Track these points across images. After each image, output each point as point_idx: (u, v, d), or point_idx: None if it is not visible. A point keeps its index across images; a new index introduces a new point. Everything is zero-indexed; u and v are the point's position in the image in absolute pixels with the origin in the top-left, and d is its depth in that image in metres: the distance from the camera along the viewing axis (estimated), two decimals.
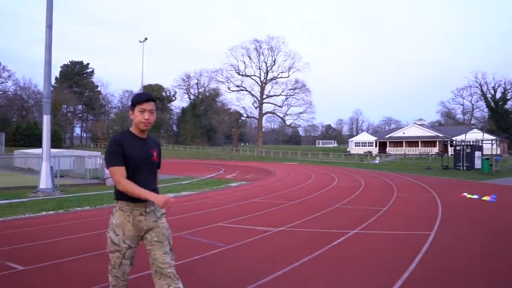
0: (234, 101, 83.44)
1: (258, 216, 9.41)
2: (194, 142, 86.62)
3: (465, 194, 13.62)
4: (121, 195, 2.86)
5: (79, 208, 11.03)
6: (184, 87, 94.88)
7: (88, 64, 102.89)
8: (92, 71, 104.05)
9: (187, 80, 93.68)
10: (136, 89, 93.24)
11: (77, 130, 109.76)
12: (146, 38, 49.60)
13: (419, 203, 11.89)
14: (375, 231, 7.68)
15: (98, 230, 7.57)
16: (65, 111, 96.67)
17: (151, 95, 3.01)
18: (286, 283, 4.53)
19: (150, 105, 2.92)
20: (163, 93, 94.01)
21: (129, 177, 2.85)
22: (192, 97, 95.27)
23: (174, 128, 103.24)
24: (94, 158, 23.07)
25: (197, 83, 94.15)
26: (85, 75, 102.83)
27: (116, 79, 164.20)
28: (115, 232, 2.90)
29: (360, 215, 9.49)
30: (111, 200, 12.57)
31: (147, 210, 2.91)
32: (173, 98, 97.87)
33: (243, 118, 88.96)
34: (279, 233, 7.40)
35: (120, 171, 2.82)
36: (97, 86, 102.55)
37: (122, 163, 2.84)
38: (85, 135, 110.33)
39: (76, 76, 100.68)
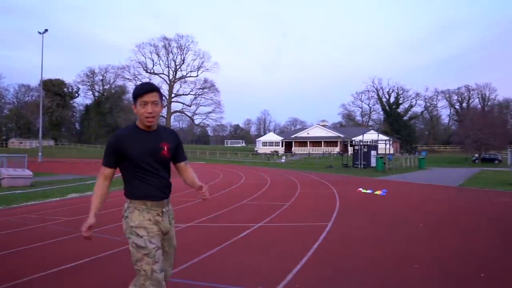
0: None
1: None
2: (98, 141, 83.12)
3: (361, 189, 14.85)
4: (134, 194, 2.64)
5: None
6: (88, 84, 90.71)
7: None
8: None
9: (91, 76, 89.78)
10: (34, 83, 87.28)
11: None
12: (46, 30, 46.88)
13: (320, 198, 12.77)
14: (278, 223, 8.22)
15: None
16: None
17: (154, 85, 2.72)
18: (196, 272, 4.80)
19: (152, 96, 2.61)
20: (65, 89, 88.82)
21: (135, 175, 2.64)
22: (96, 94, 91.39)
23: (76, 126, 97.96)
24: None
25: (102, 80, 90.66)
26: None
27: (11, 72, 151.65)
28: (138, 235, 2.57)
29: (265, 210, 10.01)
30: (9, 202, 11.90)
31: (163, 210, 2.69)
32: (76, 95, 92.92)
33: None
34: (188, 228, 7.63)
35: (103, 171, 2.68)
36: None
37: (112, 164, 2.67)
38: None
39: None
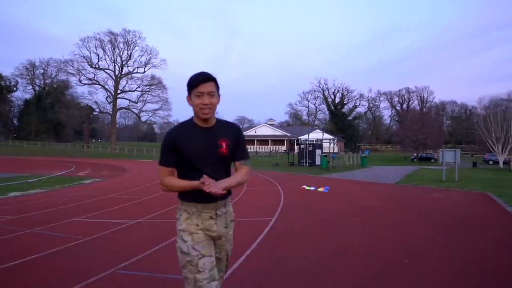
0: (86, 95, 78.89)
1: (115, 210, 9.61)
2: (39, 138, 79.81)
3: (305, 186, 15.46)
4: (185, 195, 2.45)
5: None
6: (28, 77, 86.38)
7: None
8: None
9: (31, 69, 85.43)
10: None
11: None
12: None
13: (265, 194, 13.21)
14: None
15: None
16: None
17: (210, 74, 2.46)
18: (146, 265, 5.04)
19: (208, 86, 2.41)
20: (2, 82, 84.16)
21: (187, 175, 2.43)
22: (37, 88, 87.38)
23: (14, 122, 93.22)
24: None
25: (43, 74, 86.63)
26: None
27: None
28: (183, 239, 2.42)
29: None
30: None
31: (217, 212, 2.48)
32: (14, 89, 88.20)
33: (95, 113, 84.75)
34: (137, 225, 7.79)
35: (165, 172, 2.47)
36: None
37: (171, 163, 2.46)
38: None
39: None
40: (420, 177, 23.09)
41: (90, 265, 4.97)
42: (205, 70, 2.46)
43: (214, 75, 2.47)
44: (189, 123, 2.53)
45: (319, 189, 14.50)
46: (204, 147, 2.43)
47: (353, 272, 4.75)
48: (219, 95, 2.51)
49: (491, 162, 50.89)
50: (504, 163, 45.71)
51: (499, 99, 52.06)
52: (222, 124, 2.59)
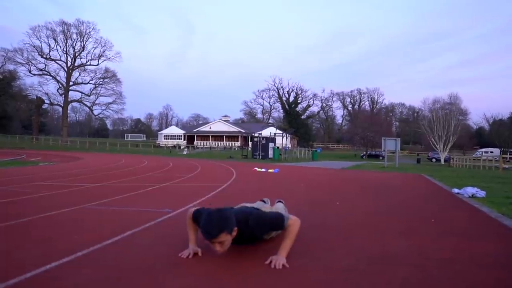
0: (36, 86, 76.16)
1: (78, 179, 10.21)
2: None
3: (256, 168, 16.45)
4: None
5: None
6: None
7: None
8: None
9: None
10: None
11: None
12: None
13: (219, 172, 14.09)
14: (183, 184, 9.38)
15: None
16: None
17: (217, 230, 2.73)
18: (119, 203, 5.80)
19: (217, 239, 2.76)
20: None
21: None
22: None
23: None
24: None
25: None
26: None
27: None
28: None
29: (171, 175, 11.08)
30: None
31: None
32: None
33: (45, 105, 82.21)
34: (102, 186, 8.48)
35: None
36: None
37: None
38: None
39: None
40: (366, 166, 24.63)
41: (61, 203, 5.68)
42: (215, 221, 2.73)
43: (223, 225, 2.74)
44: None
45: (270, 170, 15.50)
46: None
47: (293, 210, 5.72)
48: (232, 234, 2.82)
49: (434, 160, 53.79)
50: (445, 160, 48.71)
51: (442, 101, 55.43)
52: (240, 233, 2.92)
